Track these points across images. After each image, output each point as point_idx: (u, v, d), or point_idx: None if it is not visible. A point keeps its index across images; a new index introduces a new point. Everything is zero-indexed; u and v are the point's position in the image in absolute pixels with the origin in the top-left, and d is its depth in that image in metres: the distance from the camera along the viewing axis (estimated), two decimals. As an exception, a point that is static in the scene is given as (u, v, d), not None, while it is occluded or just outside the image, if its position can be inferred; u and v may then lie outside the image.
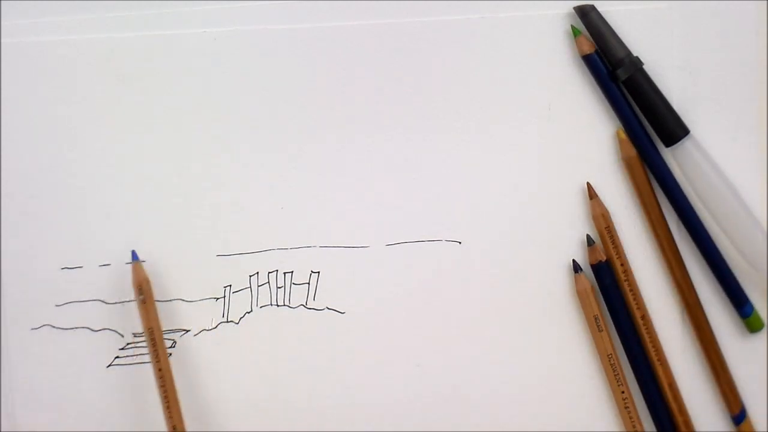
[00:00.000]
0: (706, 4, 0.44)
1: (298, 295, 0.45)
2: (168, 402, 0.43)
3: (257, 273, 0.45)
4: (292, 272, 0.45)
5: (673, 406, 0.44)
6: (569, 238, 0.45)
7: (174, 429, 0.43)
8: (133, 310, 0.45)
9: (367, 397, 0.45)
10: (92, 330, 0.45)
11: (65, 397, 0.45)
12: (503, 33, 0.44)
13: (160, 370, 0.43)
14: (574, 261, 0.45)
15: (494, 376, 0.45)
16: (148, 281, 0.44)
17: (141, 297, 0.44)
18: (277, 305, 0.45)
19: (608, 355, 0.44)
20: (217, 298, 0.45)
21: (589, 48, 0.43)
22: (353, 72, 0.44)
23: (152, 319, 0.44)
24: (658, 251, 0.45)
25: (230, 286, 0.45)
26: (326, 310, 0.45)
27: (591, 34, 0.43)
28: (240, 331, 0.45)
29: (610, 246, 0.44)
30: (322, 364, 0.45)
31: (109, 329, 0.45)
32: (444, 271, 0.45)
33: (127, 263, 0.45)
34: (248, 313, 0.45)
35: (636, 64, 0.43)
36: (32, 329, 0.45)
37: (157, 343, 0.43)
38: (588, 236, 0.45)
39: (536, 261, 0.45)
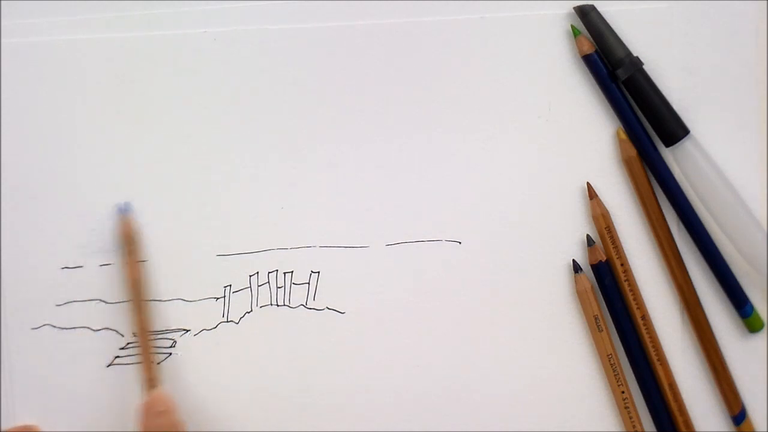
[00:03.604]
0: (706, 4, 0.44)
1: (298, 295, 0.45)
2: (146, 357, 0.44)
3: (257, 273, 0.45)
4: (292, 272, 0.45)
5: (673, 406, 0.44)
6: (569, 238, 0.45)
7: (150, 381, 0.43)
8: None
9: (367, 397, 0.45)
10: (92, 330, 0.45)
11: (65, 397, 0.45)
12: (503, 33, 0.44)
13: (141, 321, 0.44)
14: (574, 261, 0.45)
15: (494, 376, 0.45)
16: (135, 234, 0.44)
17: (128, 248, 0.44)
18: (277, 305, 0.45)
19: (608, 355, 0.44)
20: (217, 298, 0.45)
21: (589, 48, 0.43)
22: (353, 72, 0.44)
23: (137, 272, 0.44)
24: (658, 251, 0.45)
25: (230, 286, 0.45)
26: (326, 310, 0.45)
27: (591, 34, 0.43)
28: (240, 331, 0.45)
29: (610, 246, 0.44)
30: (322, 364, 0.45)
31: (109, 329, 0.45)
32: (444, 271, 0.45)
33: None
34: (248, 313, 0.45)
35: (636, 64, 0.43)
36: (32, 329, 0.45)
37: (141, 296, 0.44)
38: (588, 236, 0.45)
39: (536, 261, 0.45)
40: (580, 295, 0.45)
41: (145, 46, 0.44)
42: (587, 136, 0.45)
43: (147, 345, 0.44)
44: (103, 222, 0.45)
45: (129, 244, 0.44)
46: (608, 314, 0.45)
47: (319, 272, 0.45)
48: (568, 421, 0.46)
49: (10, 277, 0.45)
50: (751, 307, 0.44)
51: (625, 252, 0.45)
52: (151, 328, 0.44)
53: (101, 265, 0.45)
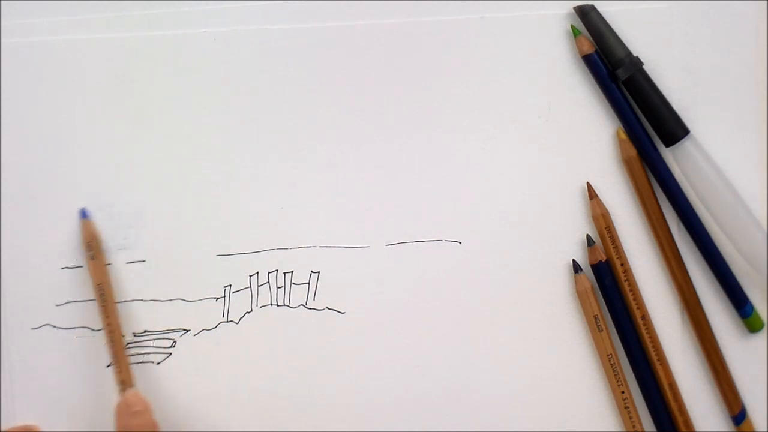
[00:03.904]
0: (706, 4, 0.44)
1: (298, 295, 0.45)
2: (118, 359, 0.44)
3: (257, 273, 0.45)
4: (292, 272, 0.45)
5: (673, 406, 0.44)
6: (569, 238, 0.45)
7: (122, 384, 0.44)
8: (134, 309, 0.45)
9: (366, 397, 0.45)
10: (92, 330, 0.45)
11: (65, 397, 0.45)
12: (503, 33, 0.44)
13: (109, 324, 0.44)
14: (574, 261, 0.45)
15: (494, 376, 0.45)
16: (97, 238, 0.44)
17: (90, 253, 0.44)
18: (277, 305, 0.45)
19: (608, 355, 0.44)
20: (217, 298, 0.45)
21: (589, 48, 0.43)
22: (353, 72, 0.44)
23: (102, 275, 0.44)
24: (658, 251, 0.45)
25: (230, 286, 0.45)
26: (326, 310, 0.45)
27: (591, 34, 0.43)
28: (240, 331, 0.45)
29: (610, 246, 0.44)
30: (322, 364, 0.45)
31: (109, 329, 0.45)
32: (444, 271, 0.45)
33: (128, 263, 0.45)
34: (248, 313, 0.45)
35: (636, 64, 0.43)
36: (32, 329, 0.45)
37: (107, 297, 0.44)
38: (588, 236, 0.45)
39: (536, 261, 0.45)
40: (580, 295, 0.45)
41: (145, 46, 0.44)
42: (587, 136, 0.45)
43: (119, 347, 0.44)
44: (103, 222, 0.45)
45: (92, 248, 0.44)
46: (608, 314, 0.45)
47: (319, 272, 0.45)
48: (568, 421, 0.46)
49: (10, 277, 0.45)
50: (751, 307, 0.44)
51: (625, 252, 0.45)
52: (120, 329, 0.44)
53: (101, 265, 0.45)
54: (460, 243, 0.45)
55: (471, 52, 0.44)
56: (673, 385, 0.44)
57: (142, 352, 0.45)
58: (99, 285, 0.44)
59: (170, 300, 0.45)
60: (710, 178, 0.43)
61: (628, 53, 0.43)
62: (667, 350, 0.45)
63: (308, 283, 0.45)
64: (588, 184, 0.45)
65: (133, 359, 0.45)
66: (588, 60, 0.43)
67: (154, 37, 0.44)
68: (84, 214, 0.44)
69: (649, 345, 0.44)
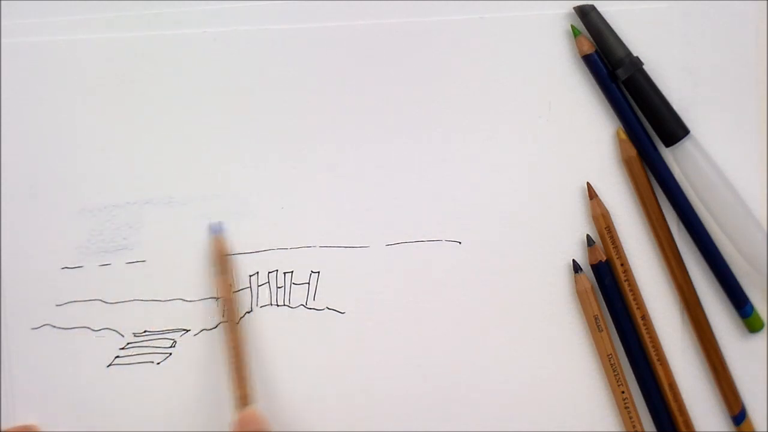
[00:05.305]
0: (706, 4, 0.44)
1: (298, 295, 0.45)
2: (239, 374, 0.43)
3: (257, 273, 0.45)
4: (292, 272, 0.45)
5: (673, 406, 0.44)
6: (569, 238, 0.45)
7: (242, 399, 0.43)
8: (133, 309, 0.45)
9: (366, 397, 0.45)
10: (92, 330, 0.45)
11: (65, 397, 0.45)
12: (503, 33, 0.44)
13: (234, 340, 0.44)
14: (574, 261, 0.45)
15: (494, 376, 0.45)
16: (226, 255, 0.44)
17: (217, 269, 0.44)
18: (277, 305, 0.45)
19: (608, 355, 0.44)
20: (217, 298, 0.45)
21: (589, 48, 0.43)
22: (353, 72, 0.44)
23: (227, 291, 0.44)
24: (658, 251, 0.45)
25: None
26: (326, 310, 0.45)
27: (591, 34, 0.43)
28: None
29: (610, 246, 0.44)
30: (322, 364, 0.45)
31: (109, 329, 0.45)
32: (444, 271, 0.45)
33: (128, 263, 0.45)
34: (248, 313, 0.45)
35: (636, 64, 0.43)
36: (32, 329, 0.45)
37: (233, 314, 0.44)
38: (588, 236, 0.45)
39: (536, 261, 0.45)
40: (580, 295, 0.45)
41: (145, 46, 0.44)
42: (587, 136, 0.45)
43: (240, 362, 0.44)
44: (103, 222, 0.45)
45: (221, 263, 0.44)
46: (608, 314, 0.45)
47: (319, 272, 0.45)
48: (568, 421, 0.46)
49: (10, 277, 0.45)
50: (751, 307, 0.44)
51: (625, 252, 0.45)
52: (245, 345, 0.44)
53: (101, 265, 0.45)
54: (460, 243, 0.45)
55: (471, 52, 0.44)
56: (673, 385, 0.44)
57: (142, 352, 0.45)
58: (227, 300, 0.44)
59: (170, 300, 0.45)
60: (710, 178, 0.43)
61: (628, 53, 0.43)
62: (667, 350, 0.45)
63: (308, 283, 0.45)
64: (588, 184, 0.45)
65: (133, 359, 0.45)
66: (588, 60, 0.44)
67: (154, 37, 0.44)
68: (216, 230, 0.44)
69: (649, 345, 0.44)
